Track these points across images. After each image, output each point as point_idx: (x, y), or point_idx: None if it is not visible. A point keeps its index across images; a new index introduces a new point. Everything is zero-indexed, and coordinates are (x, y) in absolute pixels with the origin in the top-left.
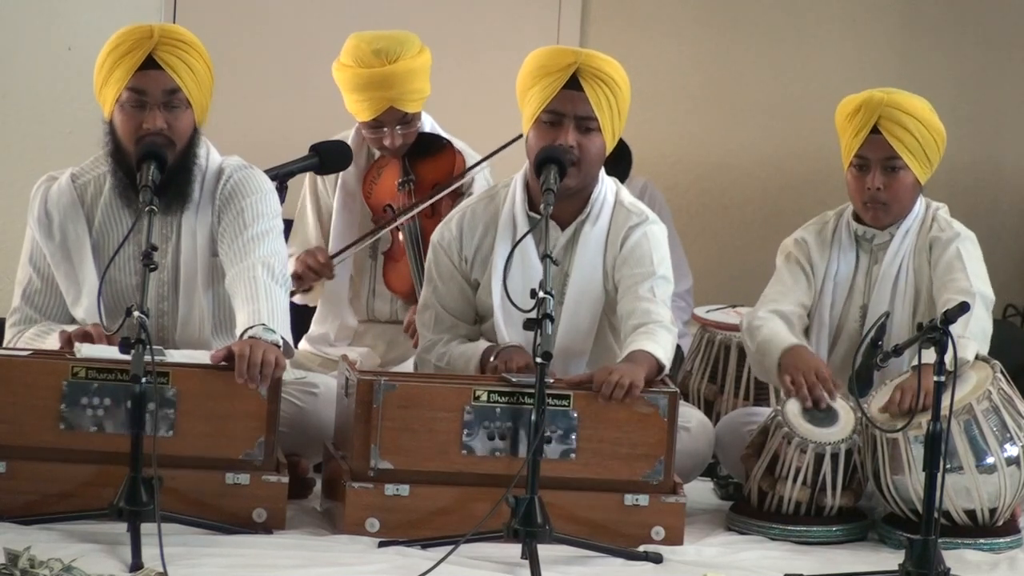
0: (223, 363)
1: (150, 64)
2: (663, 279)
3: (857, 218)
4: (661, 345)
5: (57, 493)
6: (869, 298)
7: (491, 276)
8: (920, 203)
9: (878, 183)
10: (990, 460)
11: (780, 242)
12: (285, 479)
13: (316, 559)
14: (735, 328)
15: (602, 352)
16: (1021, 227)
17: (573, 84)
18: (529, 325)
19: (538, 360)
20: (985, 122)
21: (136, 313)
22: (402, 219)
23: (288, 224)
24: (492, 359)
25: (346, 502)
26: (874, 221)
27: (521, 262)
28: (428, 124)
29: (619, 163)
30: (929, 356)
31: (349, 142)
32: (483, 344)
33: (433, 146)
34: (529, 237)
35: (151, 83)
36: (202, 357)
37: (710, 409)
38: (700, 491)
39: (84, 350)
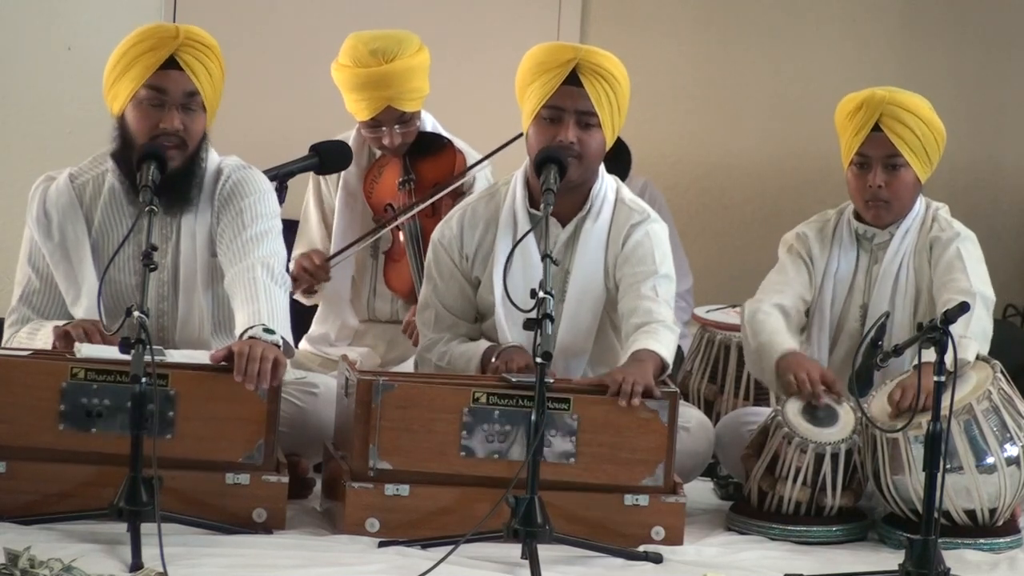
0: (223, 363)
1: (171, 64)
2: (665, 277)
3: (858, 217)
4: (663, 344)
5: (57, 493)
6: (869, 297)
7: (492, 274)
8: (920, 202)
9: (879, 181)
10: (990, 460)
11: (779, 242)
12: (285, 479)
13: (316, 559)
14: (735, 328)
15: (603, 350)
16: (1021, 227)
17: (573, 80)
18: (529, 325)
19: (538, 360)
20: (985, 122)
21: (136, 313)
22: (402, 218)
23: (288, 224)
24: (493, 359)
25: (346, 502)
26: (875, 219)
27: (522, 261)
28: (429, 123)
29: (618, 163)
30: (929, 356)
31: (350, 142)
32: (484, 344)
33: (434, 145)
34: (531, 235)
35: (172, 83)
36: (202, 357)
37: (710, 409)
38: (700, 491)
39: (84, 350)
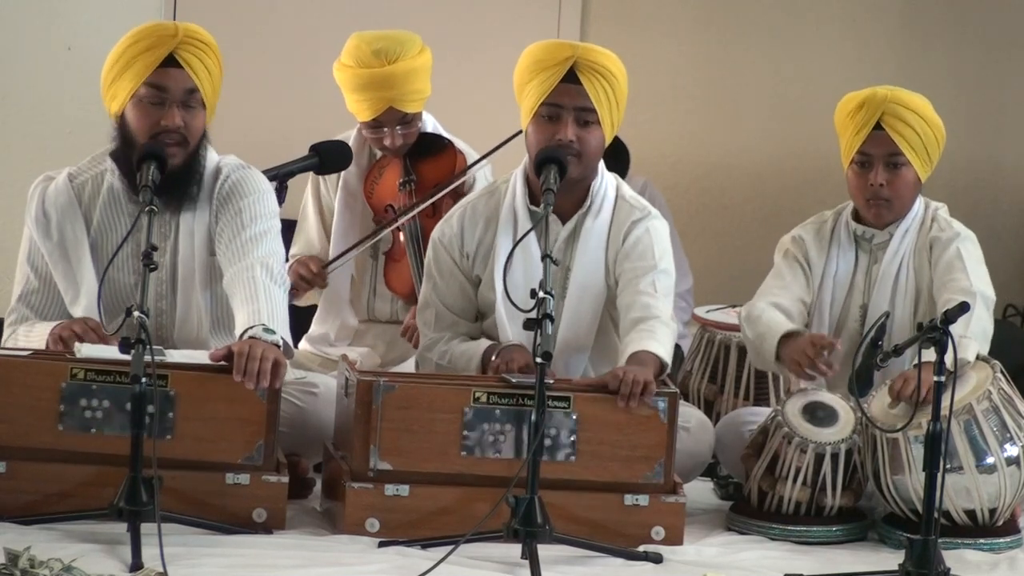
0: (222, 362)
1: (170, 62)
2: (664, 272)
3: (856, 218)
4: (661, 343)
5: (57, 493)
6: (869, 298)
7: (493, 272)
8: (919, 202)
9: (881, 179)
10: (990, 460)
11: (776, 245)
12: (285, 479)
13: (316, 559)
14: (735, 328)
15: (604, 347)
16: (1021, 227)
17: (571, 78)
18: (529, 325)
19: (538, 360)
20: (985, 122)
21: (136, 313)
22: (402, 219)
23: (288, 224)
24: (494, 357)
25: (346, 502)
26: (876, 218)
27: (523, 259)
28: (430, 124)
29: (617, 162)
30: (929, 356)
31: (351, 142)
32: (485, 343)
33: (434, 146)
34: (532, 234)
35: (172, 81)
36: (201, 357)
37: (710, 409)
38: (700, 491)
39: (84, 350)
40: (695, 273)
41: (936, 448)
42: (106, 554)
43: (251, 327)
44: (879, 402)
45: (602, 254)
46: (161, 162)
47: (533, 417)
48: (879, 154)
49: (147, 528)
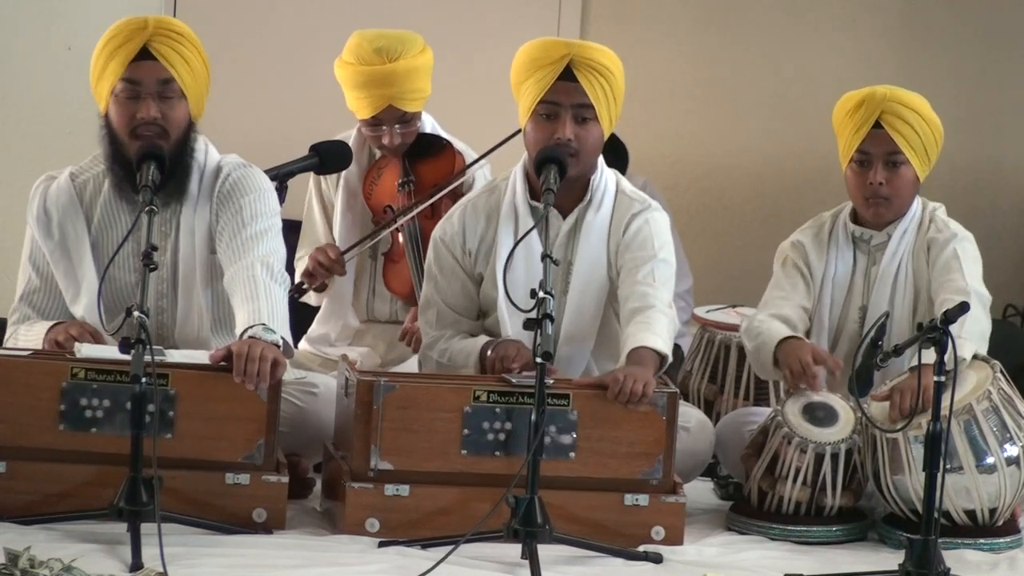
0: (222, 363)
1: (144, 55)
2: (663, 262)
3: (854, 219)
4: (658, 334)
5: (57, 493)
6: (868, 299)
7: (495, 268)
8: (917, 203)
9: (880, 178)
10: (990, 460)
11: (780, 242)
12: (285, 479)
13: (316, 559)
14: (735, 328)
15: (607, 340)
16: (1021, 227)
17: (567, 75)
18: (529, 325)
19: (538, 360)
20: (985, 122)
21: (136, 313)
22: (402, 220)
23: (288, 225)
24: (489, 353)
25: (346, 502)
26: (875, 217)
27: (525, 257)
28: (429, 125)
29: (615, 161)
30: (929, 356)
31: (350, 142)
32: (483, 339)
33: (433, 147)
34: (535, 231)
35: (145, 73)
36: (201, 357)
37: (710, 409)
38: (700, 491)
39: (84, 350)
40: (695, 273)
41: (936, 448)
42: (106, 554)
43: (251, 326)
44: (879, 404)
45: (603, 247)
46: (161, 162)
47: (533, 417)
48: (878, 153)
49: (147, 528)
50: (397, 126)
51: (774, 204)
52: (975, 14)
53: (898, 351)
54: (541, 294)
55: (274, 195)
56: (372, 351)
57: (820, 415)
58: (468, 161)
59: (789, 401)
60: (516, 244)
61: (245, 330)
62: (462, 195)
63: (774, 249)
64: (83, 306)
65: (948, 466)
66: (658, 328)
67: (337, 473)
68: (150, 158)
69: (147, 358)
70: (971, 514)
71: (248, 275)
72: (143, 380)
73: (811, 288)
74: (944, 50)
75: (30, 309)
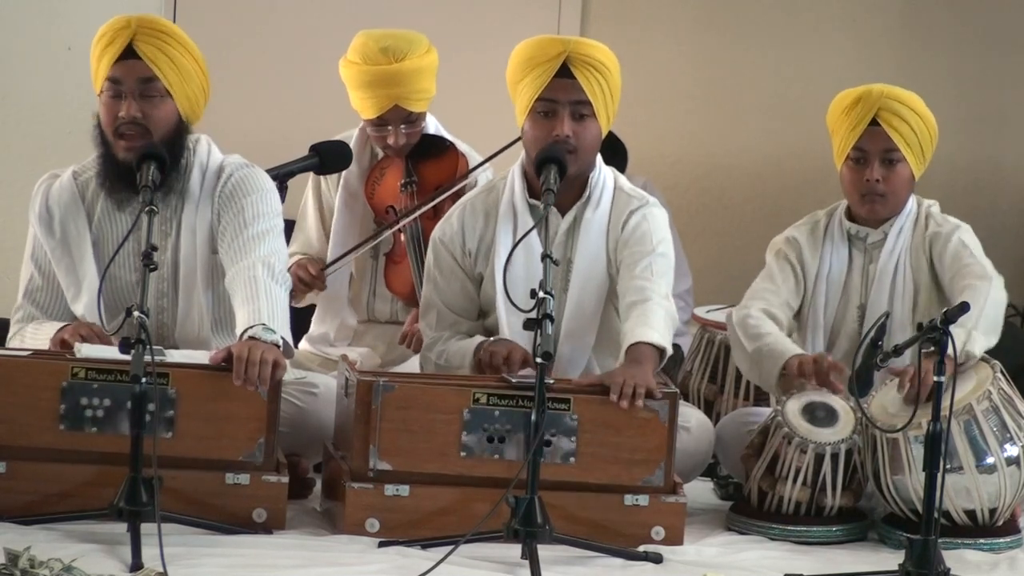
0: (223, 364)
1: (129, 54)
2: (662, 256)
3: (850, 217)
4: (655, 328)
5: (57, 493)
6: (867, 298)
7: (494, 268)
8: (912, 200)
9: (877, 175)
10: (990, 460)
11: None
12: (285, 479)
13: (316, 559)
14: None
15: (607, 337)
16: (1021, 227)
17: (564, 72)
18: (529, 325)
19: (538, 360)
20: (985, 122)
21: (136, 313)
22: (404, 221)
23: (289, 224)
24: (481, 352)
25: (346, 502)
26: (870, 214)
27: (524, 256)
28: (432, 126)
29: (614, 160)
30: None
31: (352, 142)
32: (477, 339)
33: (436, 148)
34: (535, 231)
35: (126, 72)
36: (202, 357)
37: (710, 409)
38: (700, 491)
39: (84, 350)
40: (695, 273)
41: (936, 448)
42: (106, 554)
43: (251, 326)
44: (879, 402)
45: (603, 244)
46: (161, 162)
47: (533, 417)
48: (875, 150)
49: (147, 528)
50: (402, 126)
51: (774, 204)
52: (975, 14)
53: (898, 351)
54: (541, 294)
55: (276, 195)
56: (372, 351)
57: (820, 415)
58: (470, 161)
59: (789, 401)
60: (515, 245)
61: (245, 330)
62: None
63: None
64: (84, 305)
65: (948, 466)
66: (655, 321)
67: (337, 473)
68: (150, 158)
69: (147, 358)
70: (971, 514)
71: (249, 275)
72: (143, 380)
73: (800, 284)
74: (944, 50)
75: (34, 307)
